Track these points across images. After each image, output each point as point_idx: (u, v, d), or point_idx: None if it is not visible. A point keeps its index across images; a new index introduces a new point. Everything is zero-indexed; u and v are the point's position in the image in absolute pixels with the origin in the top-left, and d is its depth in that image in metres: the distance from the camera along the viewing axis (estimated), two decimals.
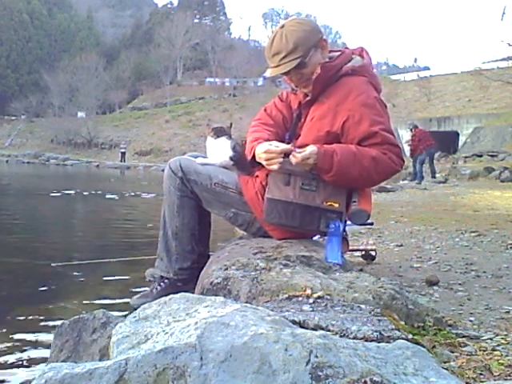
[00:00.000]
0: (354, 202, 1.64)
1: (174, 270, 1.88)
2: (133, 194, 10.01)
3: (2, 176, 16.45)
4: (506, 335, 1.24)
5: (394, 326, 0.93)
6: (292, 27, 1.70)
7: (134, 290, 2.40)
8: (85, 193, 9.48)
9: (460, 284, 1.86)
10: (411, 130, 12.88)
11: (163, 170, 1.98)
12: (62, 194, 8.90)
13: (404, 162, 1.71)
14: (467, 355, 1.05)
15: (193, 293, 1.14)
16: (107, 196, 8.89)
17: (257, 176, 1.81)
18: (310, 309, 1.04)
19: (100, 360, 1.07)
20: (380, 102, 1.72)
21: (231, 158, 1.87)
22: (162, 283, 1.91)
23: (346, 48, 1.88)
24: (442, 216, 4.34)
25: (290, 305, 1.07)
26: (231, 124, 2.01)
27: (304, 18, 1.93)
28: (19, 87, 59.39)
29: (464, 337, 1.20)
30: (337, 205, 1.63)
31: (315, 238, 1.80)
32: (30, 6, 63.86)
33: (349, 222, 1.68)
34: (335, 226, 1.61)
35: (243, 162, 1.87)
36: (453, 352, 1.06)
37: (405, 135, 22.23)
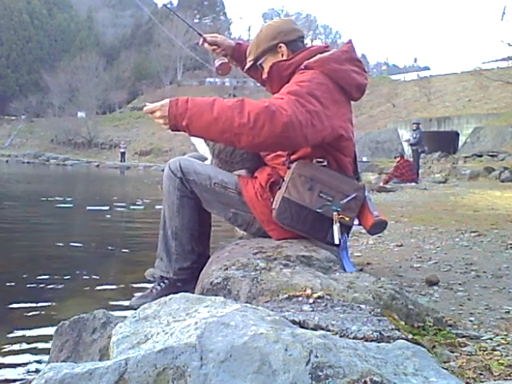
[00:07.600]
0: (377, 216, 1.65)
1: (174, 270, 1.88)
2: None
3: (2, 175, 16.44)
4: (506, 335, 1.24)
5: (394, 326, 0.93)
6: (257, 32, 1.85)
7: (134, 290, 2.40)
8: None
9: (460, 284, 1.86)
10: (396, 157, 12.51)
11: (163, 170, 1.99)
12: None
13: (294, 114, 1.44)
14: (467, 355, 1.05)
15: (193, 293, 1.14)
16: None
17: (256, 177, 1.82)
18: (310, 309, 1.04)
19: (100, 360, 1.07)
20: (319, 83, 1.58)
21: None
22: (161, 283, 1.91)
23: (312, 46, 1.81)
24: (442, 216, 4.34)
25: (290, 305, 1.07)
26: None
27: (270, 22, 1.87)
28: (19, 87, 59.38)
29: (464, 337, 1.20)
30: (348, 219, 1.65)
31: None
32: (30, 6, 63.85)
33: None
34: (344, 240, 1.66)
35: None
36: (453, 352, 1.06)
37: (405, 135, 22.24)
